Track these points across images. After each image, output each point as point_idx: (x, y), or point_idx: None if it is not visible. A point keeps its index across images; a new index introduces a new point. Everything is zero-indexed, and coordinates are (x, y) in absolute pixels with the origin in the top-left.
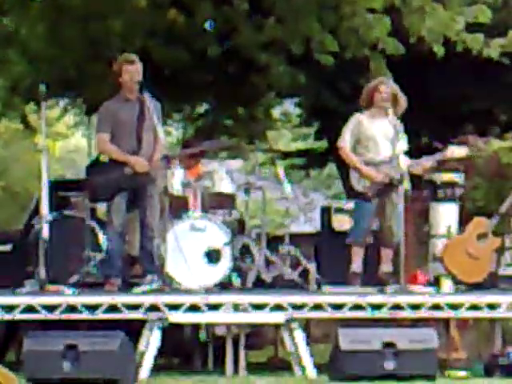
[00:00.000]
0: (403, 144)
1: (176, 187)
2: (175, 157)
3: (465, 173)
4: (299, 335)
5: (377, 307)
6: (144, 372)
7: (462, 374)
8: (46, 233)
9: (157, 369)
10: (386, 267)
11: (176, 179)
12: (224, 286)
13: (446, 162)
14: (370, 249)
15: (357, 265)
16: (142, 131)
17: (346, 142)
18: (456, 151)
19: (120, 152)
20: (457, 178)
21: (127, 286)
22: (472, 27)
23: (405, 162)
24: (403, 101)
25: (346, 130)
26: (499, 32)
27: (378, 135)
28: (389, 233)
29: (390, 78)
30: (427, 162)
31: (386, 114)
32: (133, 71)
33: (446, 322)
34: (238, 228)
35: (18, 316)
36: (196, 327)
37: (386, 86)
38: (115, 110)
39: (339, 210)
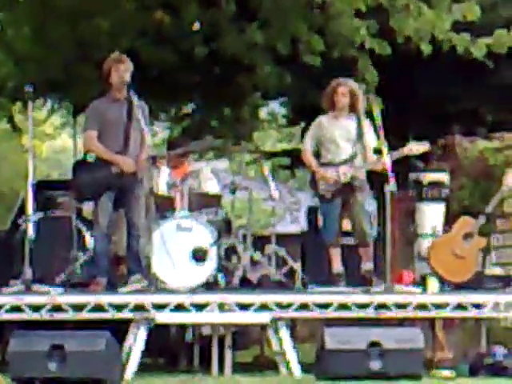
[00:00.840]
0: (371, 141)
1: (162, 187)
2: (161, 157)
3: (451, 173)
4: (285, 335)
5: (362, 307)
6: (130, 372)
7: (448, 373)
8: (31, 233)
9: (143, 368)
10: (367, 265)
11: (162, 179)
12: (210, 285)
13: (406, 158)
14: (351, 249)
15: (337, 265)
16: (129, 131)
17: (306, 145)
18: (414, 147)
19: (107, 151)
20: (443, 177)
21: (113, 286)
22: (460, 26)
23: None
24: (362, 98)
25: (308, 133)
26: (486, 33)
27: (338, 136)
28: (361, 232)
29: (357, 82)
30: (388, 158)
31: (349, 114)
32: (122, 70)
33: (431, 321)
34: (224, 228)
35: (3, 316)
36: (182, 327)
37: (344, 87)
38: (103, 109)
39: None
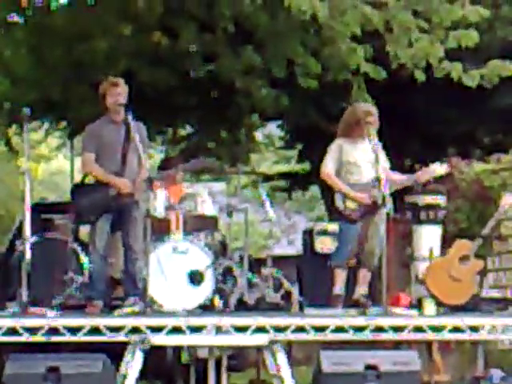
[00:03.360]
0: (385, 162)
1: (159, 210)
2: (158, 179)
3: (447, 195)
4: (281, 357)
5: (359, 329)
6: None
7: None
8: (28, 255)
9: None
10: (362, 289)
11: (159, 202)
12: (206, 308)
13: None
14: (350, 271)
15: (339, 287)
16: (126, 153)
17: (329, 167)
18: (438, 169)
19: (105, 173)
20: (439, 200)
21: (109, 309)
22: (455, 51)
23: (396, 176)
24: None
25: (329, 156)
26: (482, 55)
27: (359, 159)
28: (370, 254)
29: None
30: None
31: (365, 137)
32: (117, 93)
33: (428, 344)
34: (221, 250)
35: None
36: (178, 349)
37: (374, 116)
38: (100, 131)
39: (322, 233)
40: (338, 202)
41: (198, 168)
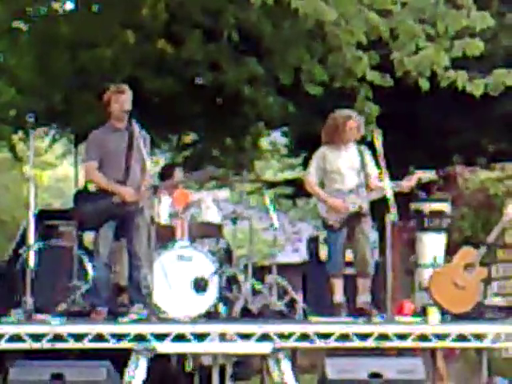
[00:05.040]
0: (373, 169)
1: (163, 217)
2: (162, 186)
3: (452, 203)
4: (286, 365)
5: (363, 337)
6: None
7: None
8: (32, 262)
9: None
10: (364, 297)
11: (163, 209)
12: (211, 315)
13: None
14: (352, 279)
15: (339, 295)
16: (130, 161)
17: (311, 175)
18: (423, 176)
19: (108, 181)
20: (444, 207)
21: (114, 316)
22: (460, 60)
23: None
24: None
25: (311, 164)
26: (486, 64)
27: (342, 167)
28: (362, 262)
29: (356, 113)
30: (390, 189)
31: (350, 144)
32: (122, 100)
33: (432, 352)
34: (225, 257)
35: (3, 345)
36: (182, 357)
37: (354, 121)
38: (104, 139)
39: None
40: (321, 211)
41: (204, 179)
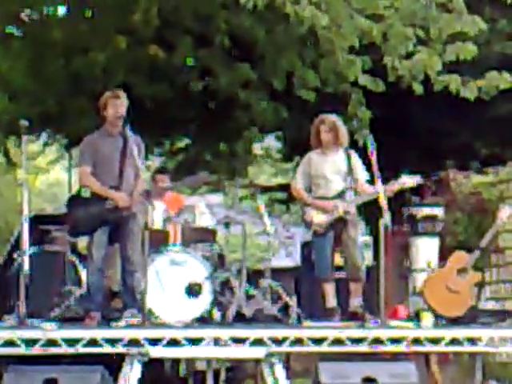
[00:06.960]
0: (362, 173)
1: (157, 222)
2: (155, 191)
3: (445, 207)
4: (279, 370)
5: (357, 341)
6: None
7: None
8: (26, 267)
9: None
10: (356, 301)
11: (157, 214)
12: (204, 320)
13: (400, 192)
14: (343, 283)
15: (331, 300)
16: (124, 166)
17: (297, 181)
18: (408, 181)
19: (101, 186)
20: (437, 212)
21: (107, 321)
22: (453, 64)
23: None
24: (344, 131)
25: (298, 170)
26: (479, 69)
27: (328, 172)
28: (353, 268)
29: (333, 115)
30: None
31: (337, 148)
32: (118, 105)
33: (426, 356)
34: (219, 262)
35: None
36: (176, 362)
37: (325, 125)
38: (97, 144)
39: None
40: (306, 216)
41: (196, 184)
